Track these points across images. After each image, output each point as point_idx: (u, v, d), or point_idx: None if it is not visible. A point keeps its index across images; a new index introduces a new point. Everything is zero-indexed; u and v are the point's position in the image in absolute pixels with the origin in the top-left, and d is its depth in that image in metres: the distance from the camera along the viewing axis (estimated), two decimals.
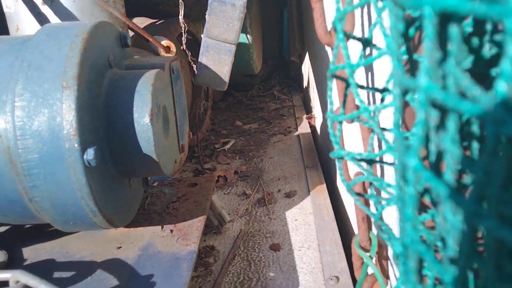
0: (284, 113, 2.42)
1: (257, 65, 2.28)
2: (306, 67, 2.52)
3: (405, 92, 0.26)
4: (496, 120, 0.21)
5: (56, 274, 0.75)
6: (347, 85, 0.43)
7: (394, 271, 0.79)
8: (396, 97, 0.24)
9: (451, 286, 0.21)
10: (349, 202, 1.18)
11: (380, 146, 0.76)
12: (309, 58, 2.30)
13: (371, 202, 0.84)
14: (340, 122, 0.45)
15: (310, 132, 1.96)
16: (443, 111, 0.25)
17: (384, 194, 0.78)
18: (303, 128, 2.06)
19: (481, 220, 0.22)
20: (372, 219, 0.49)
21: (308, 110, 2.40)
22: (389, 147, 0.39)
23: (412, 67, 0.32)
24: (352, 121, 0.52)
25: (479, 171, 0.22)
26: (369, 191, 0.53)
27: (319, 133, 1.94)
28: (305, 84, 2.69)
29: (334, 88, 0.98)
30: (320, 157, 1.63)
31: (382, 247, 0.78)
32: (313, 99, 2.18)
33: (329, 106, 0.42)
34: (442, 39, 0.25)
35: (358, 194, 0.53)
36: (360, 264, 0.78)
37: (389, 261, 0.81)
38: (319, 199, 1.27)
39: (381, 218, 0.48)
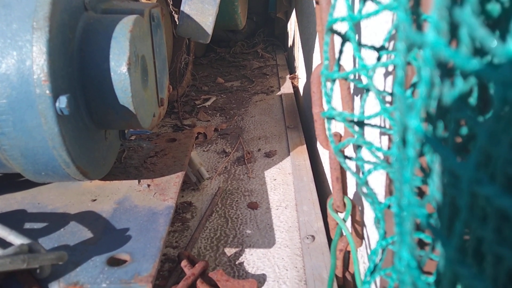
0: (267, 72, 2.37)
1: (241, 20, 2.19)
2: (292, 26, 2.45)
3: (408, 49, 0.24)
4: (504, 82, 0.19)
5: (27, 225, 0.73)
6: (343, 41, 0.41)
7: (367, 233, 0.80)
8: (401, 52, 0.22)
9: (448, 250, 0.21)
10: (328, 164, 1.18)
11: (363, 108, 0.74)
12: (296, 16, 2.24)
13: (354, 165, 0.83)
14: (333, 80, 0.43)
15: (293, 93, 1.94)
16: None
17: (366, 157, 0.77)
18: (286, 88, 2.03)
19: (481, 186, 0.21)
20: (358, 183, 0.49)
21: (291, 70, 2.36)
22: (384, 108, 0.37)
23: (417, 23, 0.30)
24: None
25: (483, 134, 0.21)
26: (356, 154, 0.52)
27: (301, 94, 1.92)
28: (289, 43, 2.63)
29: (330, 43, 0.94)
30: (301, 118, 1.62)
31: (355, 209, 0.78)
32: (298, 59, 2.13)
33: (324, 62, 0.40)
34: None
35: (345, 157, 0.52)
36: (335, 224, 0.78)
37: (363, 223, 0.82)
38: (299, 160, 1.27)
39: (366, 182, 0.47)
